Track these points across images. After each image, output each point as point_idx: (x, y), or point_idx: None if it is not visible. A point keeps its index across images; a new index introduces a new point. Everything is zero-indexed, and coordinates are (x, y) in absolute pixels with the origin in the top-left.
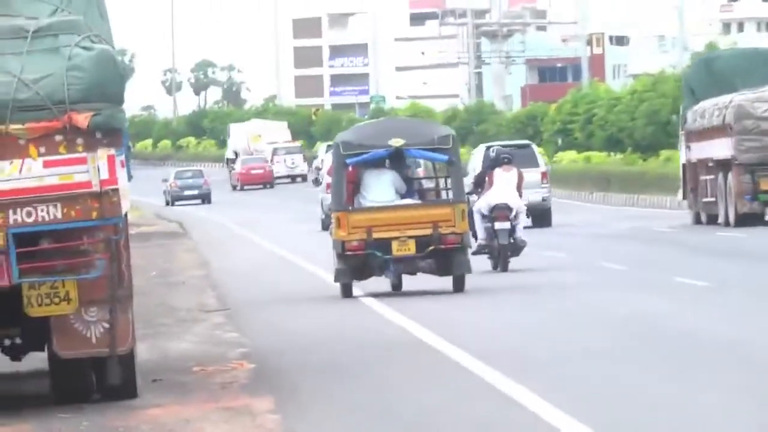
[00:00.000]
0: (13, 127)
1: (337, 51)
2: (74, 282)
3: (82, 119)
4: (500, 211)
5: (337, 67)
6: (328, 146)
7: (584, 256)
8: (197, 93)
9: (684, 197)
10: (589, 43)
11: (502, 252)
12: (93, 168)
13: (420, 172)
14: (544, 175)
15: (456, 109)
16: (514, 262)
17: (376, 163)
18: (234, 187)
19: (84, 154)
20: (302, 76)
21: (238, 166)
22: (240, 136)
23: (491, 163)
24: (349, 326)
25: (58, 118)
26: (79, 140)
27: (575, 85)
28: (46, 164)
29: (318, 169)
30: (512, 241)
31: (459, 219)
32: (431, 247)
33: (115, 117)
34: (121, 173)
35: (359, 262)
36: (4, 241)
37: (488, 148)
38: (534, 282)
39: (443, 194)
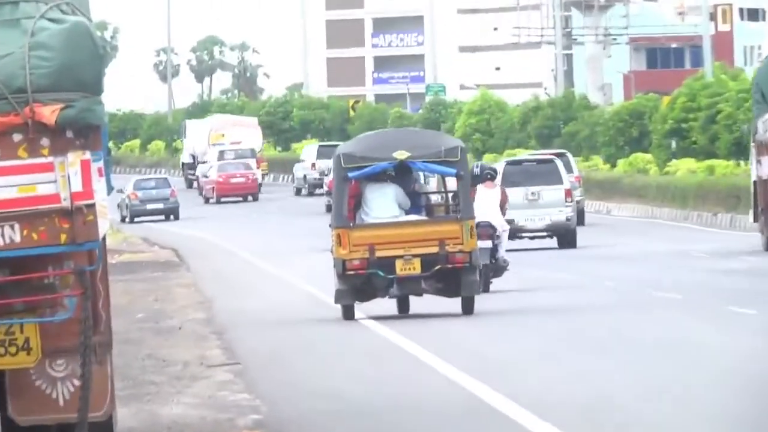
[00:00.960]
0: None
1: (383, 25)
2: (36, 326)
3: (49, 113)
4: (482, 230)
5: (382, 46)
6: (321, 147)
7: (591, 279)
8: (200, 79)
9: (755, 219)
10: (713, 17)
11: (484, 272)
12: (62, 177)
13: (432, 186)
14: (568, 192)
15: (538, 103)
16: (528, 284)
17: (380, 177)
18: (207, 200)
19: (50, 159)
20: (337, 58)
21: (212, 173)
22: (199, 135)
23: (474, 180)
24: (391, 383)
25: (17, 112)
26: (44, 140)
27: (694, 72)
28: (2, 171)
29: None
30: (494, 261)
31: (467, 236)
32: (438, 267)
33: (92, 110)
34: (99, 184)
35: (361, 282)
36: None
37: (475, 165)
38: (535, 304)
39: (452, 210)
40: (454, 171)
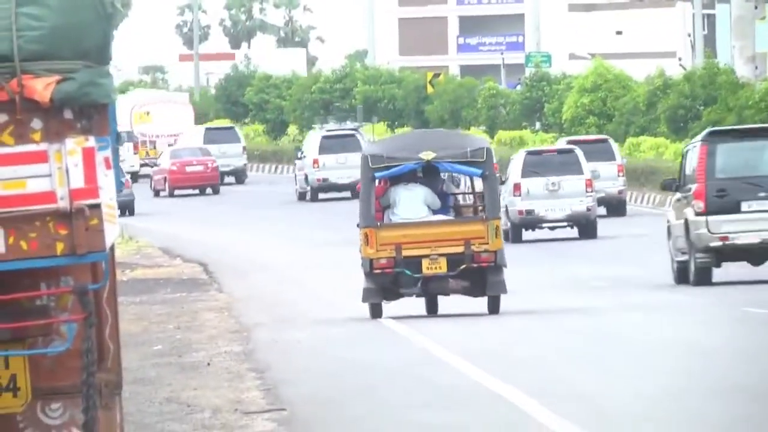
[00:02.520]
0: None
1: None
2: (24, 360)
3: (41, 87)
4: None
5: (470, 3)
6: (323, 125)
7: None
8: (235, 45)
9: None
10: None
11: None
12: (58, 169)
13: (459, 185)
14: (588, 182)
15: (668, 78)
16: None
17: (408, 178)
18: (157, 192)
19: (43, 146)
20: (412, 18)
21: (163, 161)
22: (120, 113)
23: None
24: None
25: (1, 86)
26: (36, 122)
27: None
28: None
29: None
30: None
31: (493, 236)
32: (463, 266)
33: (96, 84)
34: (106, 179)
35: (388, 281)
36: None
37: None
38: (562, 303)
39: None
40: (480, 171)
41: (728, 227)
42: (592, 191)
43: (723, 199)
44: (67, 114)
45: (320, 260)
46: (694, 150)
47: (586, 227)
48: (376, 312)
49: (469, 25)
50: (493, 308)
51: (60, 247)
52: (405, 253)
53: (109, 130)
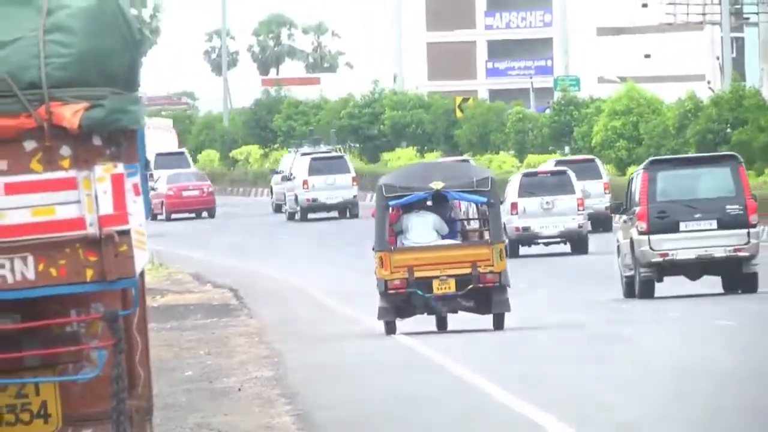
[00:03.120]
0: None
1: (499, 1)
2: (55, 386)
3: (70, 114)
4: None
5: (499, 28)
6: (298, 149)
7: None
8: (264, 71)
9: None
10: None
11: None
12: (87, 196)
13: (468, 212)
14: (580, 201)
15: (697, 101)
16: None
17: (419, 205)
18: (154, 216)
19: (73, 173)
20: (441, 43)
21: (160, 185)
22: None
23: None
24: None
25: (29, 113)
26: (65, 149)
27: None
28: (10, 189)
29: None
30: None
31: (497, 259)
32: (470, 286)
33: (125, 111)
34: (135, 206)
35: (401, 300)
36: None
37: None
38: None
39: (485, 234)
40: (485, 199)
41: (668, 245)
42: (583, 209)
43: (663, 220)
44: (96, 140)
45: (349, 284)
46: (637, 177)
47: (578, 243)
48: (390, 329)
49: (498, 49)
50: (498, 325)
51: (89, 273)
52: (417, 274)
53: (138, 157)
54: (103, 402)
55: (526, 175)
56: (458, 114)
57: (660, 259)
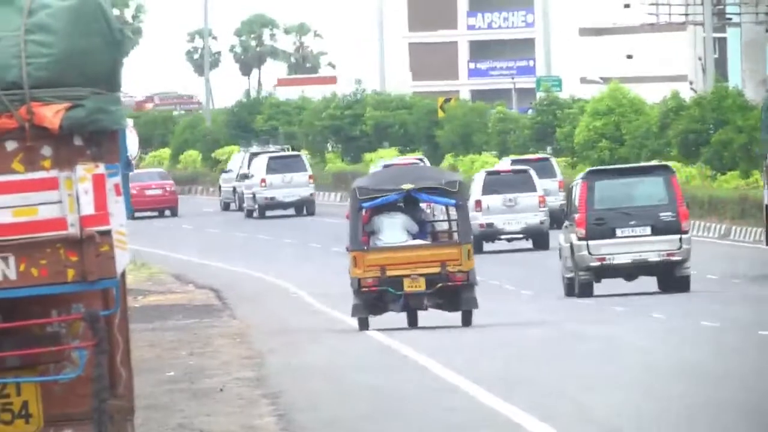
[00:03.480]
0: None
1: (481, 1)
2: (36, 387)
3: (51, 114)
4: None
5: (481, 28)
6: (248, 149)
7: None
8: (246, 71)
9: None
10: None
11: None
12: (69, 196)
13: (440, 211)
14: (542, 199)
15: (680, 101)
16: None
17: (390, 207)
18: None
19: (54, 173)
20: (422, 43)
21: None
22: None
23: None
24: None
25: (10, 113)
26: (46, 149)
27: None
28: None
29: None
30: None
31: (465, 258)
32: (440, 285)
33: (106, 111)
34: (116, 206)
35: (374, 298)
36: None
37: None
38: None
39: (454, 235)
40: (453, 201)
41: (605, 250)
42: (544, 206)
43: (601, 227)
44: (77, 141)
45: (328, 282)
46: (577, 186)
47: (539, 239)
48: (363, 325)
49: (480, 49)
50: (466, 321)
51: (71, 273)
52: (389, 273)
53: (120, 157)
54: (84, 402)
55: (489, 173)
56: (440, 114)
57: (597, 263)
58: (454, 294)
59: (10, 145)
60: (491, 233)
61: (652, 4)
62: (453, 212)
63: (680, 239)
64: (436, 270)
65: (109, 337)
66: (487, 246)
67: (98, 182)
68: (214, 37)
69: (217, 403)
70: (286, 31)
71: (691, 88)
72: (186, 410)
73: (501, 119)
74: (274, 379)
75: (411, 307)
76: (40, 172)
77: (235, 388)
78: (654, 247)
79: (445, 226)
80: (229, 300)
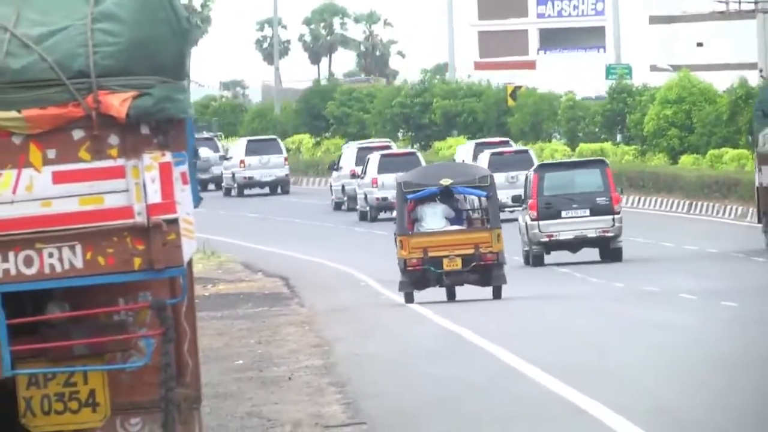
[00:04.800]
0: (2, 115)
1: None
2: (103, 375)
3: (118, 103)
4: None
5: (551, 16)
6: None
7: None
8: (315, 60)
9: (759, 221)
10: None
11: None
12: (135, 185)
13: (475, 202)
14: None
15: (748, 89)
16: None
17: (430, 198)
18: None
19: (120, 162)
20: (492, 32)
21: None
22: None
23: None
24: None
25: (77, 102)
26: (113, 138)
27: None
28: (58, 178)
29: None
30: None
31: (495, 241)
32: (474, 264)
33: (173, 100)
34: (183, 194)
35: (418, 275)
36: None
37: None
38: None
39: (486, 222)
40: (485, 193)
41: (553, 228)
42: None
43: (549, 210)
44: (144, 129)
45: (397, 271)
46: (529, 176)
47: None
48: (409, 299)
49: (550, 38)
50: (497, 295)
51: (137, 262)
52: (430, 254)
53: (186, 145)
54: (151, 391)
55: (494, 154)
56: (510, 102)
57: (546, 239)
58: (486, 271)
59: (77, 134)
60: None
61: None
62: (484, 202)
63: (613, 219)
64: (471, 251)
65: (176, 326)
66: None
67: (165, 171)
68: (284, 26)
69: (285, 392)
70: (356, 20)
71: (761, 76)
72: (254, 398)
73: (570, 106)
74: (342, 367)
75: (449, 283)
76: (107, 160)
77: (303, 377)
78: (592, 226)
79: (477, 214)
80: (298, 288)
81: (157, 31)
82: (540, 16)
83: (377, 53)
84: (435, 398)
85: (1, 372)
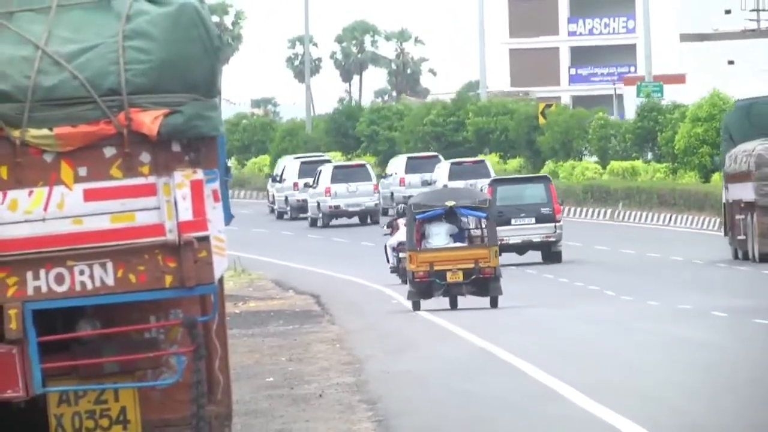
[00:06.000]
0: (34, 133)
1: (583, 7)
2: (134, 392)
3: (149, 120)
4: (402, 246)
5: (582, 34)
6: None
7: None
8: (347, 77)
9: (725, 234)
10: None
11: (404, 272)
12: (167, 202)
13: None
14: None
15: None
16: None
17: (437, 218)
18: None
19: (152, 180)
20: (523, 49)
21: None
22: None
23: (397, 216)
24: None
25: (108, 119)
26: (144, 156)
27: None
28: (89, 195)
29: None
30: None
31: (493, 257)
32: (473, 276)
33: (204, 117)
34: (214, 212)
35: (424, 286)
36: (18, 324)
37: (403, 205)
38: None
39: (485, 240)
40: (484, 214)
41: (503, 233)
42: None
43: (500, 217)
44: (175, 147)
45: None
46: (485, 189)
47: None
48: (416, 306)
49: (581, 55)
50: (493, 304)
51: (169, 279)
52: (435, 267)
53: (218, 163)
54: (182, 408)
55: (453, 164)
56: (541, 120)
57: (500, 242)
58: (484, 283)
59: (109, 152)
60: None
61: (753, 10)
62: (483, 223)
63: (555, 226)
64: (471, 265)
65: (207, 343)
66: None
67: (196, 188)
68: (315, 44)
69: (316, 409)
70: (387, 38)
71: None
72: (285, 416)
73: (602, 125)
74: (373, 385)
75: (452, 293)
76: (138, 178)
77: (334, 394)
78: (536, 232)
79: (477, 232)
80: (329, 306)
81: (189, 49)
82: (571, 33)
83: (408, 71)
84: (467, 417)
85: (32, 389)
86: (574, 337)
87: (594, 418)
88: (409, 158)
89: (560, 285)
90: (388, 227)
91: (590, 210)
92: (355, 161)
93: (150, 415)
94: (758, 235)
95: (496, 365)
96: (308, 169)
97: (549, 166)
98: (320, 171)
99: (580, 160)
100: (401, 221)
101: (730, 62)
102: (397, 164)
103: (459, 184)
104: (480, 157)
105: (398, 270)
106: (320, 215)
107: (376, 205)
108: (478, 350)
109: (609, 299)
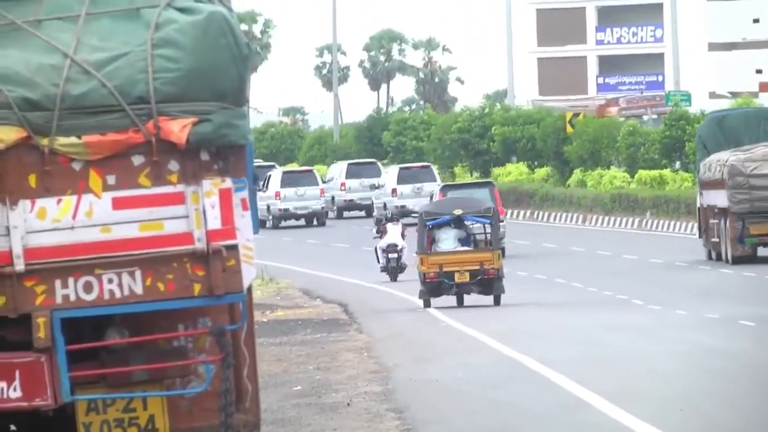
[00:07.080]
0: (62, 141)
1: (610, 16)
2: (162, 401)
3: (178, 129)
4: (391, 248)
5: (610, 43)
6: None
7: None
8: (375, 86)
9: (700, 236)
10: None
11: (393, 271)
12: (195, 211)
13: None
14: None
15: None
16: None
17: (446, 224)
18: None
19: (180, 188)
20: (551, 58)
21: None
22: None
23: (385, 221)
24: None
25: (137, 127)
26: (173, 164)
27: None
28: (118, 203)
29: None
30: (399, 264)
31: (496, 259)
32: (479, 277)
33: (233, 126)
34: (243, 220)
35: (434, 286)
36: (47, 332)
37: (387, 212)
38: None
39: (489, 244)
40: (489, 221)
41: None
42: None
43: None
44: (204, 155)
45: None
46: (436, 193)
47: None
48: (426, 304)
49: (609, 64)
50: (497, 303)
51: (197, 288)
52: (444, 269)
53: (246, 171)
54: (210, 416)
55: (402, 168)
56: (569, 129)
57: None
58: (488, 283)
59: (137, 160)
60: (404, 212)
61: None
62: (488, 228)
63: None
64: (477, 267)
65: (235, 351)
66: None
67: (225, 197)
68: (343, 53)
69: (344, 418)
70: (415, 46)
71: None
72: (313, 424)
73: (630, 133)
74: (401, 394)
75: (459, 292)
76: (167, 186)
77: (362, 403)
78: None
79: (482, 237)
80: (357, 314)
81: (218, 58)
82: (599, 42)
83: (436, 80)
84: (495, 425)
85: (60, 397)
86: (604, 345)
87: (622, 426)
88: (349, 164)
89: (588, 294)
90: (377, 231)
91: (618, 219)
92: (303, 167)
93: (178, 423)
94: (731, 239)
95: (525, 374)
96: (290, 179)
97: (577, 175)
98: (269, 176)
99: (608, 168)
100: (390, 225)
101: (758, 71)
102: (337, 169)
103: (407, 187)
104: (425, 163)
105: (387, 269)
106: (270, 217)
107: (322, 208)
108: (507, 359)
109: (637, 308)
